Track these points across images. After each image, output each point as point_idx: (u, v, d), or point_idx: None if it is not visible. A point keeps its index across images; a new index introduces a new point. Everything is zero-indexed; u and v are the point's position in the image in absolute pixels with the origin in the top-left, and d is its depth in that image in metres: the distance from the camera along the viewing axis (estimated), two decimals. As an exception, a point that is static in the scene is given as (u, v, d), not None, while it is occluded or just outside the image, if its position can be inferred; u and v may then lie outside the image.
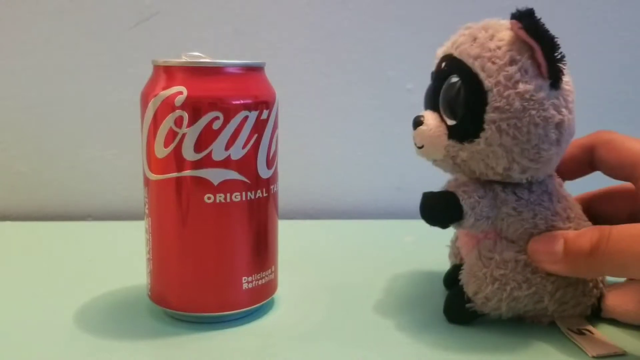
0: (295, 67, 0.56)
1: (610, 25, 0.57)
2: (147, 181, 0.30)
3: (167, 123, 0.29)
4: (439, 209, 0.30)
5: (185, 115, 0.28)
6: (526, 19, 0.26)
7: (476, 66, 0.28)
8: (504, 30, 0.28)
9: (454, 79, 0.29)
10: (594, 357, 0.28)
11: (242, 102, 0.29)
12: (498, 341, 0.30)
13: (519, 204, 0.30)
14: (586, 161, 0.33)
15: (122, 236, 0.48)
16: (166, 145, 0.29)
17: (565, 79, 0.28)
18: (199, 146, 0.28)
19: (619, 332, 0.31)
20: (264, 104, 0.30)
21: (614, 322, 0.32)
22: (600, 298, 0.31)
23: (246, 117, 0.29)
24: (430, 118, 0.30)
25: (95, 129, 0.56)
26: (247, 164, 0.29)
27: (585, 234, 0.29)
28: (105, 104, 0.55)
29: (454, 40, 0.30)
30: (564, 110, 0.28)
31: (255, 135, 0.30)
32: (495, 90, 0.27)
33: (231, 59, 0.30)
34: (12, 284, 0.37)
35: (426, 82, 0.32)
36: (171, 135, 0.29)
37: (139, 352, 0.28)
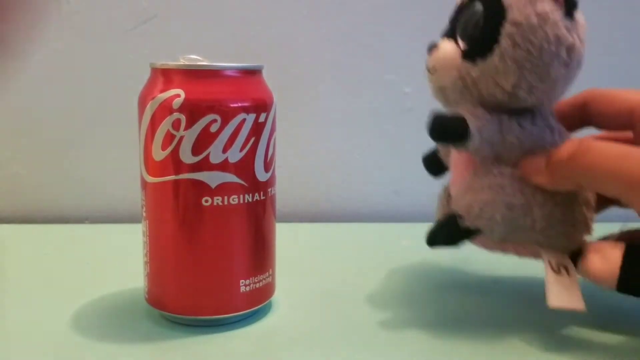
0: (292, 71, 0.56)
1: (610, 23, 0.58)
2: (144, 184, 0.30)
3: (165, 126, 0.29)
4: (448, 125, 0.30)
5: (183, 118, 0.28)
6: None
7: None
8: None
9: (477, 6, 0.30)
10: (551, 307, 0.29)
11: (239, 105, 0.29)
12: (495, 345, 0.30)
13: (522, 134, 0.31)
14: (577, 117, 0.34)
15: (119, 239, 0.47)
16: (164, 147, 0.29)
17: (578, 15, 0.30)
18: (196, 149, 0.28)
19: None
20: (262, 107, 0.30)
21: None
22: (580, 251, 0.31)
23: (244, 120, 0.29)
24: (445, 43, 0.32)
25: (92, 131, 0.56)
26: (244, 167, 0.29)
27: (567, 144, 0.30)
28: (102, 107, 0.55)
29: None
30: (575, 36, 0.30)
31: (253, 139, 0.30)
32: (515, 6, 0.29)
33: (229, 62, 0.30)
34: (9, 287, 0.37)
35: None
36: (169, 138, 0.29)
37: (135, 355, 0.28)
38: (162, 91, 0.29)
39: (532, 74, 0.29)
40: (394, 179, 0.59)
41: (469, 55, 0.30)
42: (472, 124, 0.30)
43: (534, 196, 0.31)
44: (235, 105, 0.29)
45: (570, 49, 0.30)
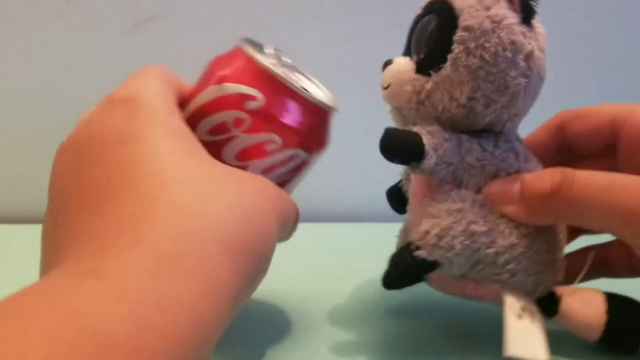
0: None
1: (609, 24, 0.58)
2: None
3: (225, 116, 0.27)
4: (401, 142, 0.28)
5: (248, 122, 0.27)
6: None
7: None
8: None
9: (428, 16, 0.29)
10: (507, 355, 0.25)
11: (304, 140, 0.28)
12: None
13: (483, 156, 0.29)
14: (553, 142, 0.32)
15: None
16: (211, 132, 0.28)
17: (538, 23, 0.28)
18: (242, 156, 0.28)
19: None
20: (319, 150, 0.30)
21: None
22: (559, 298, 0.29)
23: (297, 155, 0.29)
24: (400, 60, 0.30)
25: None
26: None
27: (545, 175, 0.27)
28: (102, 107, 0.55)
29: None
30: (534, 43, 0.28)
31: (294, 174, 0.29)
32: (466, 11, 0.27)
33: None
34: (8, 287, 0.37)
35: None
36: (222, 128, 0.27)
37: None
38: (241, 82, 0.27)
39: (487, 84, 0.27)
40: (393, 180, 0.58)
41: (422, 67, 0.28)
42: (428, 142, 0.28)
43: (498, 225, 0.28)
44: (301, 139, 0.28)
45: (529, 57, 0.27)
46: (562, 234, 0.30)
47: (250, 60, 0.28)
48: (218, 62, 0.29)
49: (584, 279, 0.32)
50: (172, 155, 0.22)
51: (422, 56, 0.29)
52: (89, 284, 0.16)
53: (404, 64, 0.29)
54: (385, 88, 0.30)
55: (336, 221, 0.57)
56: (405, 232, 0.32)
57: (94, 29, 0.54)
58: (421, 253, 0.28)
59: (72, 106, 0.58)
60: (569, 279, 0.31)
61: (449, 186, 0.29)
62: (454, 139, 0.28)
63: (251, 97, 0.27)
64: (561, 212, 0.27)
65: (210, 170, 0.23)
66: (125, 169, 0.21)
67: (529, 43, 0.27)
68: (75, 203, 0.22)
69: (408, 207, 0.33)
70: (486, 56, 0.27)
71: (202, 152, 0.24)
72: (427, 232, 0.28)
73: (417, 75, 0.28)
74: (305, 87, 0.29)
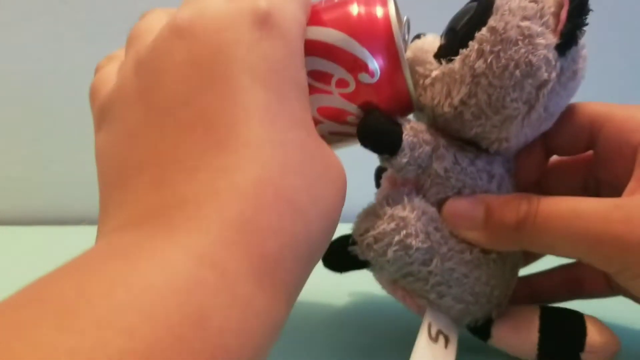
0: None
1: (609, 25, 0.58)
2: None
3: (335, 69, 0.25)
4: (378, 131, 0.26)
5: (351, 89, 0.26)
6: None
7: None
8: None
9: (472, 4, 0.27)
10: None
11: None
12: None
13: (452, 168, 0.27)
14: (539, 149, 0.29)
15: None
16: (311, 74, 0.26)
17: (577, 60, 0.25)
18: (324, 112, 0.27)
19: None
20: None
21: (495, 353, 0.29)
22: (489, 322, 0.28)
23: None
24: (430, 37, 0.28)
25: (89, 132, 0.55)
26: None
27: (510, 203, 0.26)
28: (100, 108, 0.55)
29: None
30: (554, 75, 0.25)
31: (343, 146, 0.29)
32: (500, 12, 0.25)
33: None
34: (6, 289, 0.37)
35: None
36: (325, 78, 0.26)
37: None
38: (371, 50, 0.25)
39: (484, 95, 0.25)
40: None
41: (439, 53, 0.27)
42: (407, 138, 0.26)
43: (440, 246, 0.27)
44: None
45: (541, 86, 0.25)
46: (514, 271, 0.29)
47: (391, 36, 0.26)
48: (365, 4, 0.26)
49: (558, 301, 0.31)
50: (285, 132, 0.21)
51: (444, 41, 0.27)
52: (208, 277, 0.16)
53: (429, 43, 0.27)
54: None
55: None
56: (369, 208, 0.29)
57: (91, 29, 0.54)
58: (354, 249, 0.27)
59: (70, 107, 0.58)
60: (541, 300, 0.30)
61: (408, 188, 0.28)
62: (432, 143, 0.27)
63: (370, 72, 0.25)
64: (526, 243, 0.26)
65: (309, 152, 0.21)
66: (242, 118, 0.20)
67: (549, 73, 0.24)
68: (189, 125, 0.20)
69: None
70: (494, 65, 0.25)
71: (310, 124, 0.22)
72: (367, 231, 0.27)
73: (431, 59, 0.27)
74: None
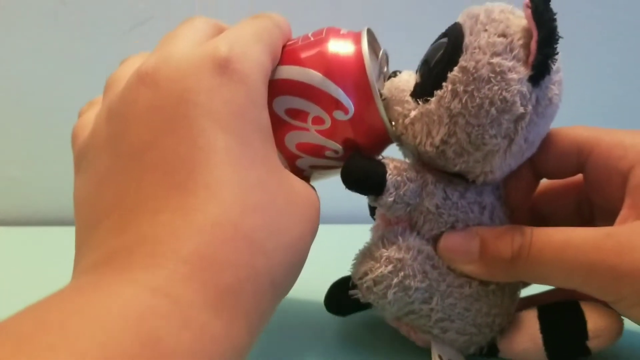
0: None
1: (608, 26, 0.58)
2: None
3: (310, 107, 0.26)
4: (362, 173, 0.27)
5: (327, 125, 0.26)
6: (540, 0, 0.24)
7: (466, 25, 0.26)
8: (517, 14, 0.26)
9: (442, 40, 0.27)
10: None
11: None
12: None
13: (443, 204, 0.27)
14: (529, 174, 0.29)
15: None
16: (288, 112, 0.26)
17: (552, 86, 0.25)
18: (303, 148, 0.27)
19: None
20: None
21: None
22: (495, 339, 0.29)
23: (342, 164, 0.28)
24: (406, 74, 0.28)
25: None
26: None
27: (504, 235, 0.26)
28: (99, 109, 0.55)
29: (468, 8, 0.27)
30: (530, 108, 0.25)
31: (328, 177, 0.29)
32: (470, 51, 0.25)
33: None
34: (5, 290, 0.37)
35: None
36: (301, 116, 0.26)
37: None
38: (344, 88, 0.26)
39: (463, 134, 0.25)
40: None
41: (415, 92, 0.27)
42: (391, 178, 0.26)
43: (438, 284, 0.27)
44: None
45: (518, 120, 0.25)
46: (513, 297, 0.29)
47: (364, 73, 0.26)
48: (336, 43, 0.26)
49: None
50: (245, 171, 0.21)
51: (420, 80, 0.27)
52: (161, 304, 0.17)
53: (405, 82, 0.27)
54: (383, 100, 0.28)
55: (336, 222, 0.57)
56: (366, 250, 0.29)
57: (90, 30, 0.54)
58: (355, 293, 0.28)
59: (69, 108, 0.58)
60: None
61: (402, 226, 0.28)
62: (419, 180, 0.27)
63: (344, 109, 0.26)
64: (521, 274, 0.26)
65: (272, 190, 0.22)
66: (203, 161, 0.20)
67: (525, 106, 0.24)
68: (152, 169, 0.21)
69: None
70: (469, 105, 0.24)
71: (273, 163, 0.23)
72: (365, 274, 0.28)
73: (409, 99, 0.27)
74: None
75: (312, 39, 0.27)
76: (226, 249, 0.19)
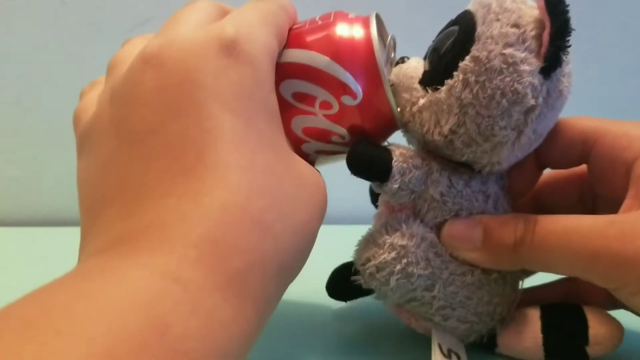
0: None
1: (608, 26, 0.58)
2: None
3: (317, 91, 0.26)
4: (368, 158, 0.27)
5: (334, 110, 0.26)
6: None
7: (479, 15, 0.25)
8: (529, 3, 0.25)
9: (453, 27, 0.26)
10: None
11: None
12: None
13: (448, 192, 0.27)
14: (532, 163, 0.29)
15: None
16: (295, 96, 0.26)
17: (562, 78, 0.25)
18: (309, 132, 0.27)
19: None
20: None
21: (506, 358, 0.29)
22: (495, 333, 0.29)
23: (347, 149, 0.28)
24: (414, 61, 0.28)
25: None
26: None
27: (508, 223, 0.26)
28: (99, 109, 0.55)
29: None
30: (541, 100, 0.25)
31: (332, 161, 0.29)
32: (482, 41, 0.24)
33: None
34: (6, 290, 0.37)
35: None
36: (308, 100, 0.26)
37: None
38: (353, 72, 0.25)
39: (473, 124, 0.25)
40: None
41: (424, 80, 0.27)
42: (396, 164, 0.26)
43: (441, 271, 0.27)
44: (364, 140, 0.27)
45: (529, 112, 0.25)
46: (514, 286, 0.29)
47: (372, 56, 0.26)
48: (345, 27, 0.26)
49: None
50: (252, 154, 0.21)
51: (429, 67, 0.27)
52: (170, 289, 0.17)
53: (413, 69, 0.27)
54: (391, 85, 0.28)
55: (334, 223, 0.57)
56: (369, 236, 0.29)
57: (90, 31, 0.54)
58: (357, 279, 0.28)
59: (68, 109, 0.58)
60: None
61: (405, 213, 0.28)
62: (425, 168, 0.27)
63: (352, 94, 0.26)
64: (524, 262, 0.27)
65: (279, 173, 0.22)
66: (210, 144, 0.20)
67: (536, 98, 0.24)
68: (157, 154, 0.21)
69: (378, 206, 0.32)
70: (481, 96, 0.24)
71: (280, 145, 0.23)
72: (368, 260, 0.28)
73: (417, 86, 0.27)
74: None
75: (319, 22, 0.27)
76: (234, 232, 0.19)
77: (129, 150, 0.21)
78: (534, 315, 0.29)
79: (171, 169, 0.20)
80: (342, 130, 0.27)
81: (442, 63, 0.26)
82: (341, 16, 0.27)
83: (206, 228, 0.19)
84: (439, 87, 0.26)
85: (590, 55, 0.58)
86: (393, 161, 0.26)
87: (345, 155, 0.27)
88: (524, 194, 0.30)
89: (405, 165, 0.27)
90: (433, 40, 0.28)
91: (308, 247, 0.23)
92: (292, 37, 0.26)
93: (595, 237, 0.24)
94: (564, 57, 0.24)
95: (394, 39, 0.28)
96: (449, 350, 0.27)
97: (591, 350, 0.27)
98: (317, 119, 0.26)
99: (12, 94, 0.55)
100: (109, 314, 0.15)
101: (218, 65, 0.21)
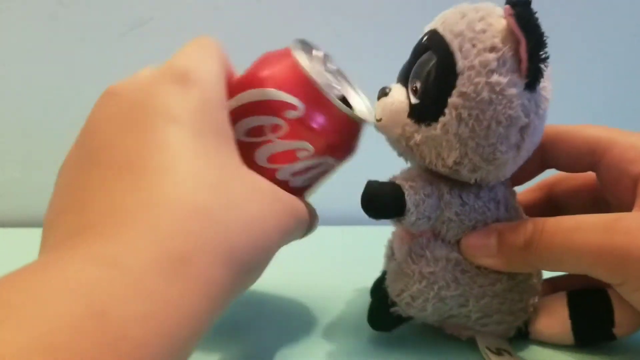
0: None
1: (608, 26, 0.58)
2: None
3: (263, 120, 0.27)
4: (382, 200, 0.28)
5: (285, 129, 0.27)
6: (520, 7, 0.24)
7: (454, 45, 0.25)
8: (496, 15, 0.26)
9: (430, 55, 0.27)
10: None
11: (334, 149, 0.28)
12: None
13: (462, 210, 0.28)
14: (537, 159, 0.31)
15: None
16: (247, 134, 0.28)
17: (544, 84, 0.26)
18: (274, 159, 0.28)
19: (541, 353, 0.31)
20: (347, 156, 0.30)
21: (539, 343, 0.31)
22: (527, 322, 0.31)
23: (325, 162, 0.29)
24: (397, 92, 0.28)
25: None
26: (296, 193, 0.28)
27: (519, 227, 0.28)
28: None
29: (443, 15, 0.28)
30: (532, 115, 0.26)
31: (319, 177, 0.30)
32: (466, 74, 0.25)
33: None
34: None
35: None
36: (258, 131, 0.28)
37: None
38: (285, 89, 0.27)
39: (475, 155, 0.26)
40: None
41: (414, 115, 0.27)
42: (409, 198, 0.27)
43: (471, 287, 0.28)
44: (332, 148, 0.28)
45: (524, 130, 0.26)
46: (539, 276, 0.31)
47: (296, 67, 0.27)
48: (267, 60, 0.28)
49: None
50: (197, 159, 0.22)
51: (417, 101, 0.27)
52: (108, 274, 0.18)
53: (399, 102, 0.28)
54: (378, 121, 0.29)
55: (333, 224, 0.57)
56: (390, 247, 0.32)
57: (89, 32, 0.54)
58: (396, 310, 0.30)
59: (67, 109, 0.58)
60: None
61: (426, 237, 0.29)
62: (435, 194, 0.28)
63: (292, 107, 0.27)
64: (536, 262, 0.28)
65: (226, 175, 0.23)
66: (156, 151, 0.22)
67: (527, 115, 0.25)
68: (106, 164, 0.22)
69: (392, 233, 0.33)
70: (477, 129, 0.25)
71: (229, 155, 0.24)
72: (402, 291, 0.29)
73: (408, 120, 0.27)
74: (347, 95, 0.29)
75: (248, 69, 0.29)
76: (176, 219, 0.20)
77: (87, 165, 0.23)
78: (562, 302, 0.30)
79: (120, 174, 0.21)
80: (303, 144, 0.27)
81: (429, 97, 0.26)
82: (265, 55, 0.29)
83: (148, 216, 0.20)
84: (431, 123, 0.26)
85: (590, 56, 0.58)
86: (406, 195, 0.27)
87: (324, 168, 0.29)
88: (524, 181, 0.32)
89: (417, 197, 0.27)
90: (407, 62, 0.28)
91: (265, 243, 0.24)
92: (231, 88, 0.28)
93: (600, 231, 0.25)
94: (545, 69, 0.25)
95: (325, 53, 0.29)
96: (498, 349, 0.29)
97: (618, 331, 0.29)
98: (275, 144, 0.27)
99: (11, 94, 0.55)
100: (47, 304, 0.16)
101: (170, 90, 0.23)
